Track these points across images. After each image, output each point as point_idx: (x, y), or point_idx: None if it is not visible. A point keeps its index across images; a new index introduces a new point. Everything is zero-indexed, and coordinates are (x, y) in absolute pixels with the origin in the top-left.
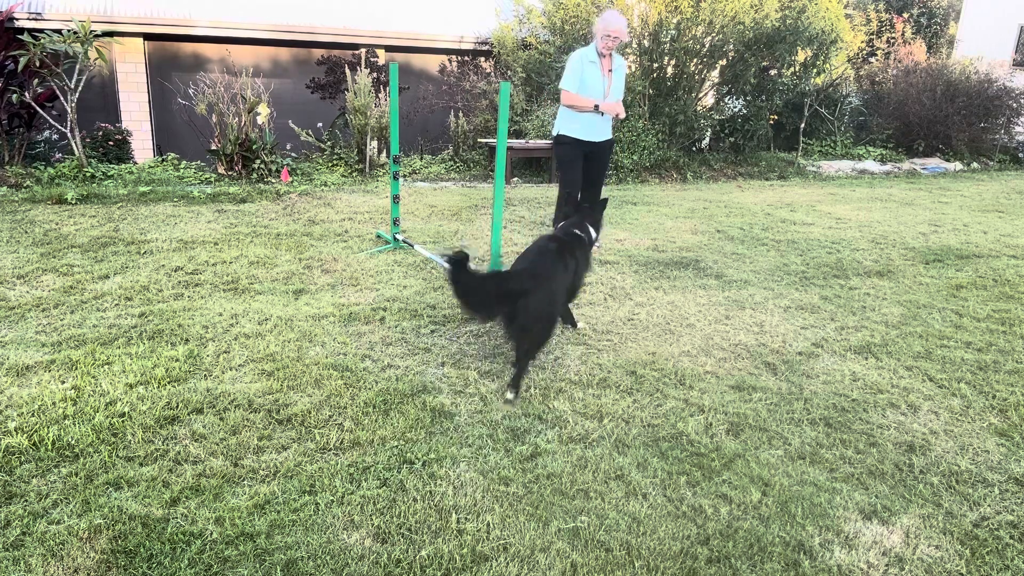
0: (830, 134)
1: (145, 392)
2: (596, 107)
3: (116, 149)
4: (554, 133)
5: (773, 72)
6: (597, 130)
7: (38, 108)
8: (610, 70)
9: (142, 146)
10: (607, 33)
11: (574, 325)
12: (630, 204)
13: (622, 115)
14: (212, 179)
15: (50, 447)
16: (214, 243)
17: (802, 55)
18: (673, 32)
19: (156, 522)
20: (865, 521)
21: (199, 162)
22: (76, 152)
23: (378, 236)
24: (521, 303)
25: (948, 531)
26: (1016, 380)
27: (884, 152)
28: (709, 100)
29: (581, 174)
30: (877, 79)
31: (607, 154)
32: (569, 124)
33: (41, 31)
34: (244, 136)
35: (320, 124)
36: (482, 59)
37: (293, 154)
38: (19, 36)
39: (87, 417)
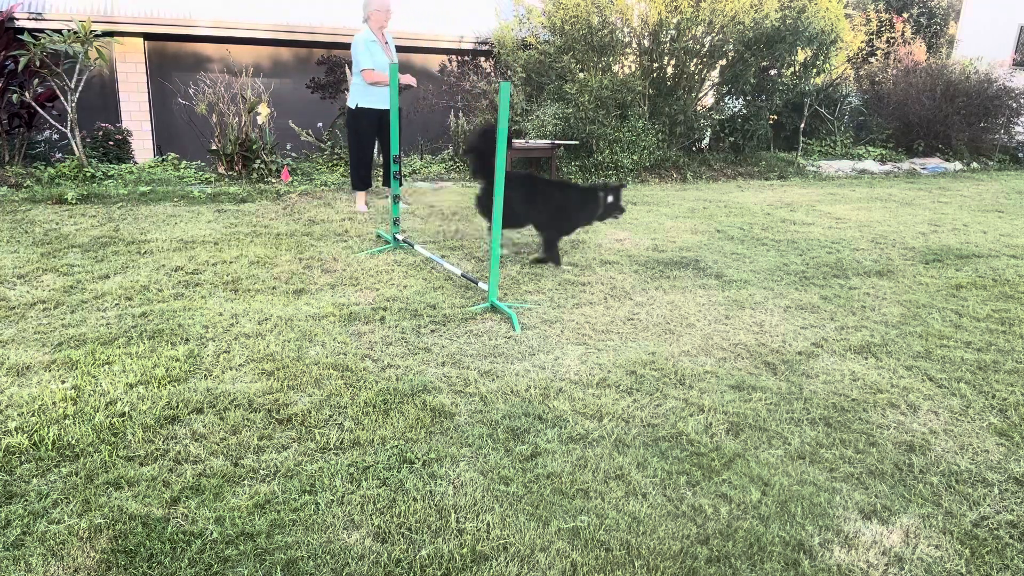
0: (830, 134)
1: (145, 392)
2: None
3: (116, 149)
4: (351, 107)
5: (773, 72)
6: (389, 99)
7: (38, 108)
8: (386, 43)
9: (142, 146)
10: (384, 8)
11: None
12: (630, 204)
13: (414, 84)
14: (212, 179)
15: (50, 447)
16: (214, 243)
17: (802, 55)
18: (673, 32)
19: (156, 522)
20: (865, 521)
21: (199, 162)
22: (76, 152)
23: (378, 236)
24: None
25: (948, 531)
26: (1016, 380)
27: (884, 152)
28: (709, 100)
29: (375, 143)
30: (877, 79)
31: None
32: (367, 97)
33: (41, 31)
34: (244, 136)
35: (320, 124)
36: (482, 59)
37: (293, 154)
38: (19, 36)
39: (87, 417)
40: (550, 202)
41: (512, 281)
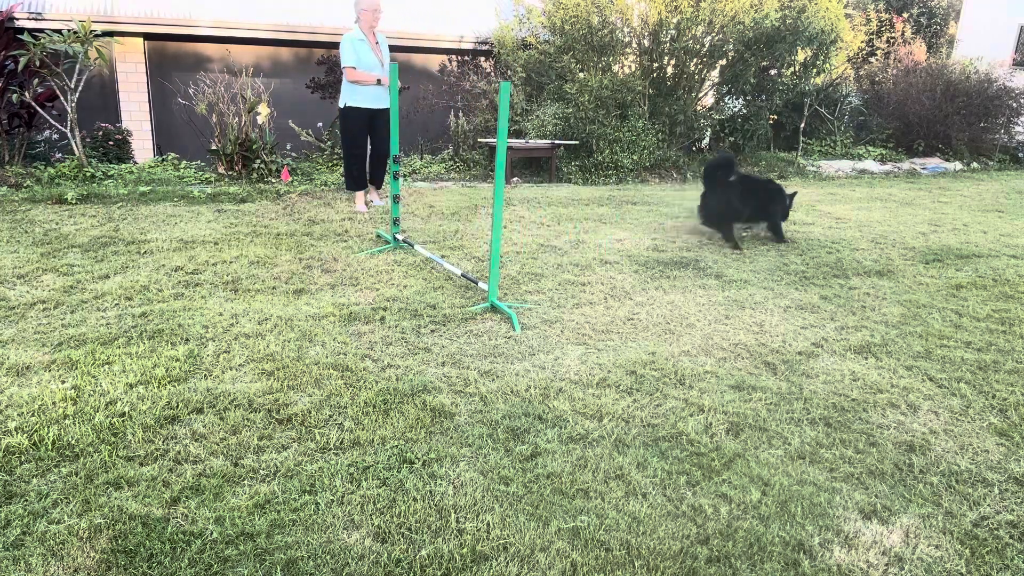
0: (830, 134)
1: (145, 392)
2: (379, 81)
3: (116, 149)
4: (340, 106)
5: (773, 72)
6: (381, 99)
7: (38, 108)
8: (376, 43)
9: (142, 146)
10: (372, 8)
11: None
12: (630, 204)
13: (387, 83)
14: (212, 179)
15: (50, 447)
16: (214, 243)
17: (802, 55)
18: (673, 32)
19: (156, 522)
20: (865, 521)
21: (199, 162)
22: (76, 152)
23: (378, 236)
24: None
25: (948, 531)
26: (1016, 380)
27: (884, 152)
28: (709, 100)
29: (367, 142)
30: (877, 79)
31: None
32: (355, 96)
33: (41, 31)
34: (244, 136)
35: (320, 124)
36: (482, 59)
37: (293, 154)
38: (19, 36)
39: (87, 417)
40: (766, 197)
41: (512, 281)
